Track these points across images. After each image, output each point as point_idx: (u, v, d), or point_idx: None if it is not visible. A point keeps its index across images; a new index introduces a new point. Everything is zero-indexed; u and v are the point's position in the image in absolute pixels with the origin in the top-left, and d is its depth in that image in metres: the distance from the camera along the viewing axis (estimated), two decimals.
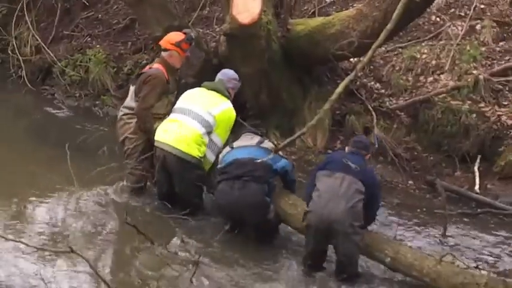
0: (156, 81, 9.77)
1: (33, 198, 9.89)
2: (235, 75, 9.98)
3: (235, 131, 9.78)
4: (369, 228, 8.80)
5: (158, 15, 11.46)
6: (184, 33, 10.26)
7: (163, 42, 10.15)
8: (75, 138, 8.54)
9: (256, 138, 9.34)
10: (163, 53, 10.12)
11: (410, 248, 8.74)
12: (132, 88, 10.14)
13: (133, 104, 9.91)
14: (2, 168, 10.87)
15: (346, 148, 9.02)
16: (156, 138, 9.51)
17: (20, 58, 15.44)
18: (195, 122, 9.43)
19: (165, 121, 9.64)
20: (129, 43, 15.06)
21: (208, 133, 9.45)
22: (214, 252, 8.82)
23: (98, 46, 15.12)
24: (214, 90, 9.68)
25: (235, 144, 9.38)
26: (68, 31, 15.88)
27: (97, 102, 14.31)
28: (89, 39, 15.53)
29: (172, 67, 10.11)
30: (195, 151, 9.34)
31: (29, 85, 15.07)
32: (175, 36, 10.18)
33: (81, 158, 8.30)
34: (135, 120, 9.86)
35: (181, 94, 9.91)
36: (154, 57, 13.51)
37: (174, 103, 9.85)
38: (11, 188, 10.21)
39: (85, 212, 9.55)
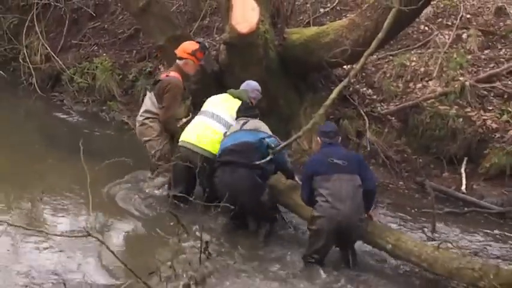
0: (177, 90, 10.05)
1: (47, 195, 9.89)
2: (258, 87, 10.16)
3: None
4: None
5: (161, 25, 11.44)
6: (198, 42, 10.48)
7: (179, 52, 10.33)
8: (83, 141, 8.62)
9: (242, 121, 9.40)
10: (178, 61, 10.33)
11: (410, 236, 8.93)
12: (149, 94, 10.37)
13: (154, 110, 10.20)
14: (15, 169, 10.96)
15: (319, 139, 9.03)
16: (181, 138, 9.70)
17: (31, 66, 15.54)
18: (219, 124, 9.62)
19: (191, 123, 9.84)
20: (134, 51, 15.10)
21: None
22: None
23: (104, 54, 15.23)
24: (238, 98, 9.86)
25: (228, 131, 9.49)
26: (76, 40, 15.95)
27: (104, 107, 14.38)
28: (96, 48, 15.58)
29: (187, 75, 10.35)
30: (217, 150, 9.43)
31: (39, 92, 15.18)
32: (190, 45, 10.37)
33: (91, 159, 8.33)
34: (157, 122, 10.18)
35: (196, 99, 10.25)
36: (158, 65, 13.74)
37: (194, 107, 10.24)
38: (23, 186, 10.29)
39: (99, 204, 9.56)
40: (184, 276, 7.94)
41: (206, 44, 10.64)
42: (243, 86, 10.16)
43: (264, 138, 9.01)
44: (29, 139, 13.05)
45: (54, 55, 15.45)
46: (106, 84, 14.45)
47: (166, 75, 10.24)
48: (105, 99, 14.48)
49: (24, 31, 15.86)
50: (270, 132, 9.21)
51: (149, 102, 10.33)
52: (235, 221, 9.45)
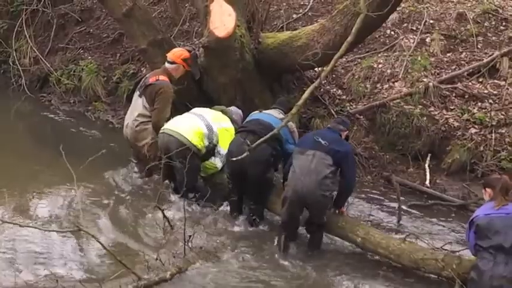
0: (168, 94, 10.15)
1: (37, 191, 9.98)
2: (241, 113, 10.41)
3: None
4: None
5: (143, 30, 11.40)
6: (189, 50, 10.62)
7: (172, 57, 10.45)
8: (70, 140, 8.63)
9: (282, 115, 9.59)
10: (168, 65, 10.43)
11: (378, 230, 9.02)
12: (139, 97, 10.38)
13: (147, 113, 10.22)
14: (5, 166, 10.91)
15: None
16: (165, 126, 9.82)
17: (20, 68, 15.43)
18: (201, 122, 9.77)
19: (175, 118, 9.97)
20: (118, 54, 14.99)
21: (209, 134, 9.74)
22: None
23: (89, 57, 15.10)
24: (221, 111, 10.13)
25: (264, 111, 9.77)
26: (63, 44, 15.80)
27: (89, 107, 14.29)
28: (82, 51, 15.45)
29: (174, 78, 10.43)
30: (196, 141, 9.59)
31: (28, 93, 15.09)
32: (182, 52, 10.55)
33: (77, 157, 8.31)
34: (149, 124, 10.22)
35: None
36: (141, 67, 13.68)
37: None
38: (14, 183, 10.22)
39: (87, 199, 9.69)
40: (170, 266, 7.98)
41: (197, 53, 10.75)
42: (230, 108, 10.41)
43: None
44: (18, 138, 13.14)
45: (42, 58, 15.34)
46: (91, 85, 14.35)
47: (156, 79, 10.24)
48: (90, 99, 14.41)
49: (14, 35, 15.72)
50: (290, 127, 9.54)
51: (140, 106, 10.32)
52: (233, 204, 9.64)
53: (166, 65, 10.47)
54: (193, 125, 9.73)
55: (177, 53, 10.57)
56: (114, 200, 10.14)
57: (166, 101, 10.11)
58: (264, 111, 9.83)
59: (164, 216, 8.89)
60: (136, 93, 10.57)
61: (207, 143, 9.75)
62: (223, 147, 9.74)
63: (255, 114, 9.83)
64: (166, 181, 9.94)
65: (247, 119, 9.85)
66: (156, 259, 8.01)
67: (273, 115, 9.68)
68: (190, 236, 8.38)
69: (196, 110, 10.11)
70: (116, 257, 7.65)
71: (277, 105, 10.03)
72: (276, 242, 8.95)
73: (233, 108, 10.41)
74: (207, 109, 10.15)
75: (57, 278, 7.48)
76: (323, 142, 8.71)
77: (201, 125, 9.74)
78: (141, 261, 8.13)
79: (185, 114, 10.02)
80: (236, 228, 9.46)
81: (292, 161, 8.81)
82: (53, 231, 8.52)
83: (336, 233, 8.99)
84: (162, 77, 10.25)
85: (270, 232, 9.38)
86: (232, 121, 10.14)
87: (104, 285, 7.38)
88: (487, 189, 7.68)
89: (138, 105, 10.39)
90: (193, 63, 10.62)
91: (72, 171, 7.95)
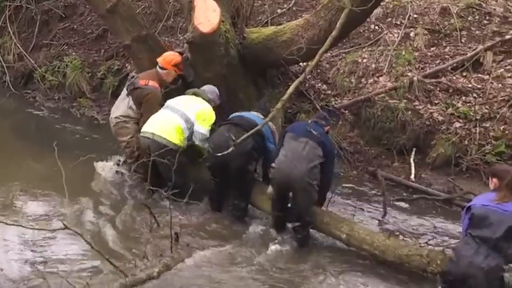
0: (155, 100, 10.11)
1: (23, 188, 9.87)
2: (217, 91, 10.39)
3: None
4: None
5: (128, 26, 11.28)
6: (181, 53, 10.56)
7: (164, 63, 10.40)
8: (55, 136, 8.61)
9: (262, 117, 9.64)
10: (160, 71, 10.40)
11: (362, 226, 9.02)
12: (126, 98, 10.32)
13: (131, 113, 10.24)
14: None
15: (310, 120, 9.47)
16: (143, 130, 9.80)
17: (4, 65, 15.40)
18: (180, 118, 9.70)
19: (154, 117, 9.87)
20: (102, 50, 14.98)
21: (189, 126, 9.67)
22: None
23: (74, 54, 15.09)
24: (194, 94, 10.08)
25: (245, 112, 9.90)
26: (47, 40, 15.76)
27: (74, 104, 14.25)
28: (66, 47, 15.42)
29: (166, 82, 10.47)
30: (176, 140, 9.59)
31: (13, 89, 15.01)
32: (174, 57, 10.48)
33: (63, 153, 8.22)
34: (131, 124, 10.22)
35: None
36: (125, 63, 13.61)
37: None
38: (0, 179, 10.08)
39: (75, 195, 9.43)
40: (158, 263, 7.96)
41: (188, 55, 10.57)
42: (203, 87, 10.33)
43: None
44: (3, 134, 13.00)
45: (26, 54, 15.29)
46: (76, 81, 14.33)
47: (146, 84, 10.19)
48: (75, 96, 14.37)
49: None
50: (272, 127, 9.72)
51: (125, 106, 10.32)
52: (213, 199, 9.74)
53: (158, 69, 10.43)
54: (171, 124, 9.67)
55: (168, 58, 10.47)
56: (102, 198, 10.12)
57: (152, 108, 10.04)
58: (244, 112, 9.90)
59: (151, 213, 8.80)
60: (125, 90, 10.51)
61: (187, 133, 9.70)
62: (201, 125, 9.74)
63: (239, 113, 9.86)
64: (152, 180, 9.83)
65: (230, 117, 9.83)
66: (144, 257, 8.00)
67: (254, 114, 9.79)
68: (176, 234, 8.39)
69: (171, 103, 9.98)
70: (103, 255, 7.64)
71: (257, 109, 10.07)
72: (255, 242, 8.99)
73: (206, 88, 10.30)
74: (180, 98, 10.06)
75: (44, 275, 7.40)
76: (315, 133, 8.81)
77: (179, 120, 9.69)
78: (128, 259, 8.18)
79: (162, 112, 9.89)
80: (221, 225, 9.42)
81: (282, 143, 8.92)
82: (40, 229, 8.44)
83: (320, 230, 8.98)
84: (151, 83, 10.21)
85: (255, 227, 9.39)
86: (209, 100, 10.09)
87: (91, 283, 7.29)
88: (493, 179, 7.51)
89: (123, 104, 10.37)
90: (185, 66, 10.54)
91: (62, 169, 7.90)
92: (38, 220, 9.10)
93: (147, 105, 10.06)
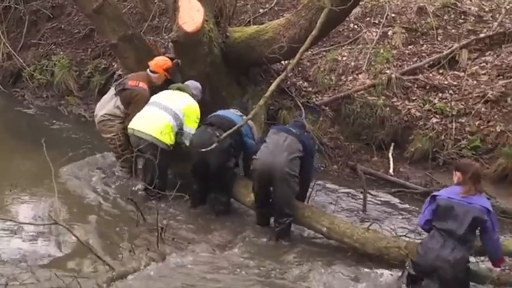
0: (142, 100, 10.09)
1: (13, 182, 9.68)
2: (199, 86, 10.37)
3: None
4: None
5: (114, 26, 11.28)
6: (171, 59, 10.61)
7: (155, 67, 10.46)
8: (43, 133, 8.60)
9: (240, 113, 9.74)
10: (151, 74, 10.46)
11: (342, 219, 9.02)
12: (114, 96, 10.37)
13: (117, 112, 10.29)
14: None
15: (287, 125, 9.56)
16: (130, 126, 9.79)
17: None
18: (167, 113, 9.70)
19: (141, 113, 9.88)
20: (89, 50, 14.93)
21: (178, 124, 9.71)
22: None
23: (61, 53, 15.02)
24: (179, 89, 10.07)
25: (222, 110, 9.88)
26: (35, 40, 15.69)
27: (62, 102, 14.21)
28: (54, 46, 15.35)
29: (155, 84, 10.46)
30: (166, 138, 9.60)
31: (2, 88, 14.98)
32: (165, 62, 10.54)
33: (52, 150, 8.22)
34: (116, 122, 10.26)
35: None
36: (112, 62, 13.59)
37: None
38: None
39: (64, 191, 9.46)
40: (144, 257, 8.00)
41: (179, 61, 10.65)
42: (185, 83, 10.31)
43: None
44: None
45: (15, 54, 15.17)
46: (64, 80, 14.27)
47: (135, 85, 10.26)
48: (63, 94, 14.32)
49: None
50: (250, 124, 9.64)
51: (112, 105, 10.36)
52: (195, 195, 9.65)
53: (149, 73, 10.47)
54: (160, 122, 9.66)
55: (160, 63, 10.53)
56: (90, 194, 10.07)
57: (137, 107, 10.06)
58: (221, 111, 9.91)
59: (137, 209, 8.85)
60: (112, 89, 10.55)
61: (176, 130, 9.72)
62: (189, 126, 9.75)
63: (214, 113, 9.84)
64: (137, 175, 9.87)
65: (208, 117, 9.80)
66: (130, 251, 8.03)
67: (231, 112, 9.82)
68: (162, 228, 8.38)
69: (158, 99, 9.98)
70: (91, 249, 7.71)
71: (235, 106, 10.09)
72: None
73: (190, 83, 10.30)
74: (166, 94, 10.08)
75: (33, 270, 7.37)
76: (295, 131, 8.95)
77: (168, 118, 9.69)
78: (116, 253, 8.16)
79: (151, 110, 9.86)
80: (206, 219, 9.44)
81: (264, 139, 8.99)
82: (30, 224, 8.48)
83: (301, 223, 9.00)
84: (141, 84, 10.28)
85: (240, 222, 9.47)
86: (192, 95, 10.10)
87: (79, 276, 7.27)
88: (457, 172, 7.55)
89: (110, 104, 10.40)
90: (174, 71, 10.58)
91: (51, 165, 7.96)
92: (28, 215, 9.08)
93: (135, 106, 10.08)
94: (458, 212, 7.16)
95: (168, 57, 10.81)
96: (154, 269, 7.84)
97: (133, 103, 10.12)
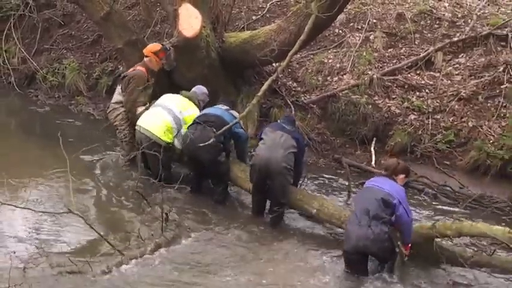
0: (139, 80, 10.21)
1: (31, 176, 9.78)
2: (206, 91, 10.39)
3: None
4: None
5: (120, 31, 11.33)
6: (162, 44, 10.60)
7: (146, 51, 10.51)
8: (57, 130, 8.63)
9: (226, 106, 9.74)
10: (145, 59, 10.48)
11: (331, 202, 9.10)
12: (118, 87, 10.56)
13: (121, 98, 10.38)
14: (1, 157, 10.73)
15: (279, 120, 9.54)
16: (138, 123, 9.85)
17: (10, 67, 15.21)
18: (169, 116, 9.74)
19: (148, 112, 9.95)
20: (97, 54, 14.86)
21: (178, 127, 9.72)
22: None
23: (72, 57, 14.93)
24: (187, 97, 10.04)
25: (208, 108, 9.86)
26: (48, 45, 15.59)
27: (72, 101, 14.14)
28: (65, 51, 15.27)
29: (152, 70, 10.47)
30: (166, 137, 9.64)
31: (17, 89, 14.88)
32: (154, 46, 10.59)
33: (65, 144, 8.20)
34: (121, 109, 10.36)
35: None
36: (118, 65, 13.62)
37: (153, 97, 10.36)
38: (9, 169, 9.92)
39: (77, 182, 9.36)
40: (150, 242, 8.02)
41: (168, 46, 10.60)
42: (193, 89, 10.32)
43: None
44: (10, 130, 13.08)
45: (29, 58, 15.12)
46: (74, 82, 14.23)
47: (133, 70, 10.38)
48: (73, 94, 14.26)
49: (3, 38, 15.49)
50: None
51: (116, 93, 10.54)
52: (192, 183, 9.76)
53: (144, 58, 10.52)
54: (162, 122, 9.71)
55: (149, 47, 10.60)
56: (100, 184, 10.13)
57: (134, 86, 10.15)
58: (206, 109, 9.90)
59: (143, 197, 8.93)
60: (118, 87, 10.64)
61: (175, 132, 9.74)
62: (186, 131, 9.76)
63: (201, 112, 9.82)
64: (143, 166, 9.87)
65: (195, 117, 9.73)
66: (138, 237, 8.06)
67: (217, 108, 9.77)
68: (166, 214, 8.40)
69: (164, 101, 10.01)
70: (102, 236, 7.76)
71: (221, 102, 10.02)
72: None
73: (197, 89, 10.32)
74: (175, 98, 10.08)
75: (48, 254, 7.44)
76: (289, 128, 9.00)
77: (169, 119, 9.73)
78: (124, 239, 8.20)
79: (155, 110, 9.91)
80: (206, 208, 9.45)
81: (261, 137, 9.02)
82: (46, 212, 8.46)
83: (294, 206, 9.08)
84: (139, 67, 10.37)
85: (240, 208, 9.64)
86: (198, 103, 10.16)
87: (91, 260, 7.33)
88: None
89: (115, 93, 10.63)
90: (164, 56, 10.52)
91: (67, 158, 7.95)
92: (44, 204, 9.09)
93: (131, 84, 10.16)
94: (371, 194, 7.61)
95: (160, 44, 10.80)
96: (159, 255, 7.86)
97: (131, 83, 10.16)
